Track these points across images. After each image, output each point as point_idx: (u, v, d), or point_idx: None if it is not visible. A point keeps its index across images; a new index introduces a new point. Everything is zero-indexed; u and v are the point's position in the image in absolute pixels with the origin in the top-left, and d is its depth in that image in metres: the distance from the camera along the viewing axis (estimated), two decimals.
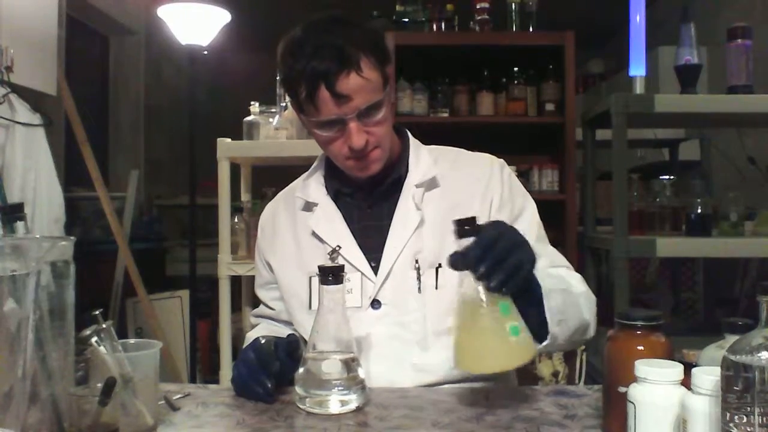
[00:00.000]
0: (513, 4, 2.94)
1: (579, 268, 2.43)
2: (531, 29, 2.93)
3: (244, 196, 2.62)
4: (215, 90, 4.55)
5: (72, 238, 0.79)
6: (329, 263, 0.95)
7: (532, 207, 1.22)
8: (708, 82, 3.07)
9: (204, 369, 3.37)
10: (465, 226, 0.87)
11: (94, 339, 0.79)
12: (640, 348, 0.76)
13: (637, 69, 2.12)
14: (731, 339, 0.73)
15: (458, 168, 1.22)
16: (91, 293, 2.85)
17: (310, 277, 1.16)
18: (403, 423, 0.87)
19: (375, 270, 1.14)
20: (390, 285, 1.13)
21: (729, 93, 2.14)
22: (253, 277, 1.37)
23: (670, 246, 2.11)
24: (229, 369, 2.35)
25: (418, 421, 0.88)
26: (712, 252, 2.23)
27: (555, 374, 1.47)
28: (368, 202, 1.20)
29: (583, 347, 1.39)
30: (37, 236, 0.85)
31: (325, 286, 0.94)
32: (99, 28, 4.28)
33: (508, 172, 1.22)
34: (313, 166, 1.27)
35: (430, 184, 1.18)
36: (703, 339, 0.86)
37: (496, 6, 2.97)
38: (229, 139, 2.36)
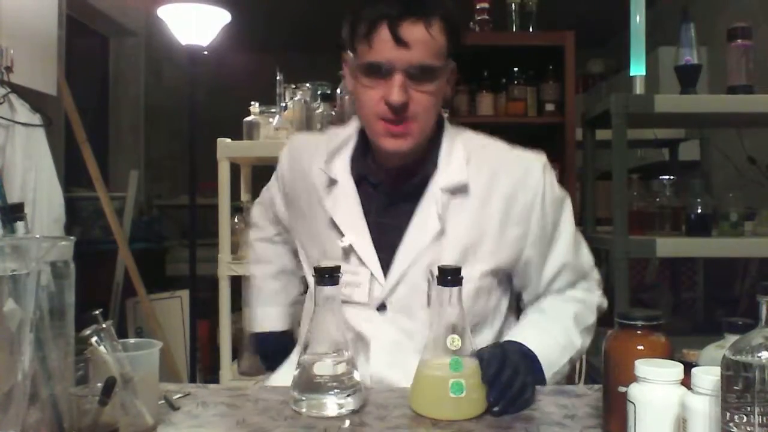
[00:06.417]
0: (513, 4, 2.94)
1: None
2: (531, 29, 2.93)
3: (244, 196, 2.62)
4: (215, 90, 4.55)
5: (72, 238, 0.78)
6: (327, 264, 0.94)
7: (568, 221, 1.19)
8: (708, 82, 3.06)
9: (204, 369, 3.37)
10: (448, 276, 0.88)
11: (94, 339, 0.79)
12: (640, 348, 0.76)
13: (637, 69, 2.12)
14: (731, 339, 0.73)
15: (495, 175, 1.10)
16: (91, 293, 2.84)
17: (324, 249, 1.15)
18: (403, 423, 0.87)
19: (386, 272, 1.08)
20: (400, 292, 1.08)
21: (729, 93, 2.13)
22: None
23: (670, 246, 2.11)
24: (229, 369, 2.35)
25: (418, 421, 0.88)
26: (712, 252, 2.23)
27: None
28: (389, 198, 1.11)
29: None
30: (37, 236, 0.85)
31: (320, 287, 0.92)
32: (99, 28, 4.27)
33: (550, 183, 1.15)
34: (343, 138, 1.17)
35: (459, 190, 1.08)
36: (703, 339, 0.86)
37: (496, 6, 2.96)
38: (229, 139, 2.36)
